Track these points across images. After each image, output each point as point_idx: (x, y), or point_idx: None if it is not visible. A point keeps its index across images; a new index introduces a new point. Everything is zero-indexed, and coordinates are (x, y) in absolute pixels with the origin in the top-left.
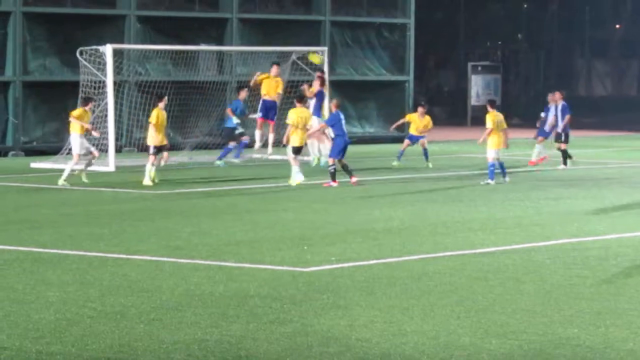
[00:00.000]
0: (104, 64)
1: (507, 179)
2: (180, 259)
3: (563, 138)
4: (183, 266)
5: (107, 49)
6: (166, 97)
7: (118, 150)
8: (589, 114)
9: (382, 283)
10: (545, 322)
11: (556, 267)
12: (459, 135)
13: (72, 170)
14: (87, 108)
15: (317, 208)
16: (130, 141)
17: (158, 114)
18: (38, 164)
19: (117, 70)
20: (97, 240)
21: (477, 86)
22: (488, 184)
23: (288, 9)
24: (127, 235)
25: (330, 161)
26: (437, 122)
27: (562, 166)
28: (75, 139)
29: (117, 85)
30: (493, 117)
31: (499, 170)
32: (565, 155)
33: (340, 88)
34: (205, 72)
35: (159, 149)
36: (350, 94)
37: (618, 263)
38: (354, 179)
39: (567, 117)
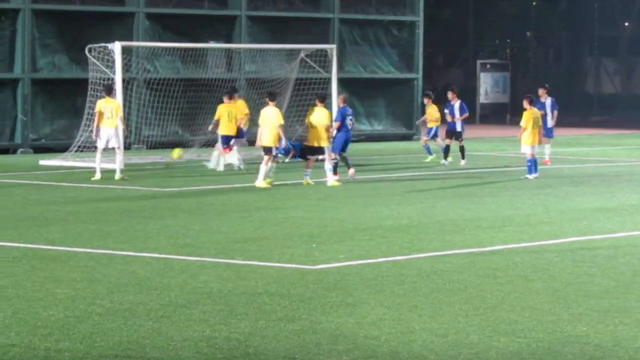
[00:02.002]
0: (113, 62)
1: (534, 175)
2: (189, 257)
3: (460, 135)
4: (191, 264)
5: (116, 47)
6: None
7: (127, 147)
8: (597, 111)
9: (391, 281)
10: (554, 320)
11: (565, 265)
12: (467, 133)
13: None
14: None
15: (325, 206)
16: (139, 139)
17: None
18: (47, 161)
19: (126, 67)
20: (105, 238)
21: (486, 84)
22: (527, 178)
23: (297, 7)
24: (136, 232)
25: (333, 155)
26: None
27: (463, 161)
28: (117, 133)
29: (126, 83)
30: (528, 115)
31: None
32: (463, 150)
33: (349, 85)
34: (213, 69)
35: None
36: (359, 91)
37: (627, 261)
38: (351, 170)
39: (465, 114)
